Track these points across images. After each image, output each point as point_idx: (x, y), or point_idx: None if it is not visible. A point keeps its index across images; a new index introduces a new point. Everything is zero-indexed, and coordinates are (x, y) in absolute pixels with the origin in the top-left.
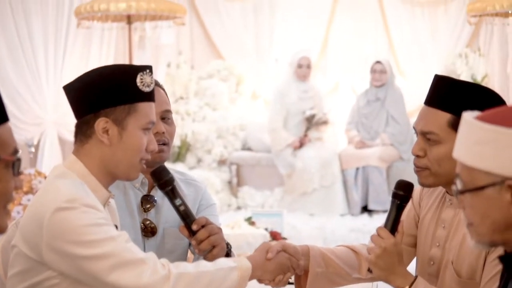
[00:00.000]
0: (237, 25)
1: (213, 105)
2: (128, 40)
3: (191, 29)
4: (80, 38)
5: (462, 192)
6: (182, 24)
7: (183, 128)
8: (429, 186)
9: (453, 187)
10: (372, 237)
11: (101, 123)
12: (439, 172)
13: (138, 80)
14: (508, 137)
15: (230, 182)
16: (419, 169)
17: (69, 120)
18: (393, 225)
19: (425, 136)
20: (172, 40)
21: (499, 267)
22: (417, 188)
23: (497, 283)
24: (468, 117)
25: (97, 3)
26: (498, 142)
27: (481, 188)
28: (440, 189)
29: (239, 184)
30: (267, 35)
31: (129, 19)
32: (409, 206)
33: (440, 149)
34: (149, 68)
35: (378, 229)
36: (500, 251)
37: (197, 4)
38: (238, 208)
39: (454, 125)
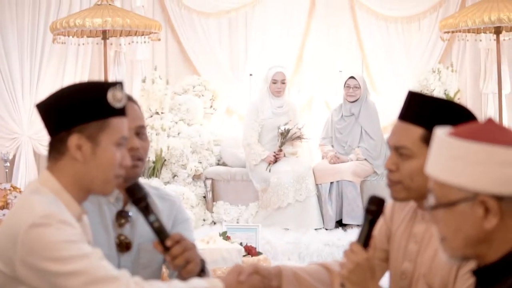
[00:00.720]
0: (212, 41)
1: (188, 120)
2: (104, 55)
3: (167, 45)
4: (55, 53)
5: (435, 207)
6: (157, 40)
7: (158, 143)
8: (401, 200)
9: (426, 202)
10: (345, 252)
11: (74, 140)
12: (411, 187)
13: (109, 95)
14: (480, 152)
15: (205, 197)
16: (391, 184)
17: (44, 135)
18: (365, 240)
19: (397, 150)
20: (147, 55)
21: (471, 280)
22: (389, 202)
23: None
24: (441, 133)
25: (72, 19)
26: (470, 157)
27: (454, 203)
28: (412, 204)
29: (214, 199)
30: (242, 50)
31: (104, 35)
32: (380, 220)
33: (413, 164)
34: (120, 83)
35: (351, 244)
36: (472, 264)
37: (172, 20)
38: (213, 223)
39: (427, 140)
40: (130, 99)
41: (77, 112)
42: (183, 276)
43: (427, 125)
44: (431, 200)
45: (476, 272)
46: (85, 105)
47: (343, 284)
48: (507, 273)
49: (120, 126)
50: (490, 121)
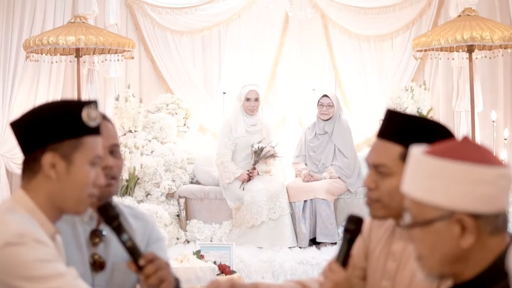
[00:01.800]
0: (186, 59)
1: (161, 139)
2: (77, 73)
3: (140, 63)
4: (28, 71)
5: (411, 226)
6: (131, 58)
7: (131, 161)
8: (379, 218)
9: (402, 221)
10: (323, 271)
11: (48, 158)
12: (390, 205)
13: (84, 114)
14: (456, 171)
15: (178, 216)
16: (370, 202)
17: (17, 153)
18: (344, 259)
19: (376, 168)
20: (120, 73)
21: None
22: (367, 220)
23: None
24: (416, 151)
25: (46, 36)
26: (446, 176)
27: (430, 221)
28: (390, 222)
29: (187, 217)
30: (215, 68)
31: (77, 52)
32: (358, 238)
33: (392, 182)
34: (95, 102)
35: (330, 263)
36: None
37: (146, 38)
38: (187, 241)
39: (405, 158)
40: (104, 117)
41: (51, 130)
42: None
43: (406, 143)
44: (407, 218)
45: None
46: (60, 123)
47: None
48: None
49: (95, 145)
50: (465, 139)
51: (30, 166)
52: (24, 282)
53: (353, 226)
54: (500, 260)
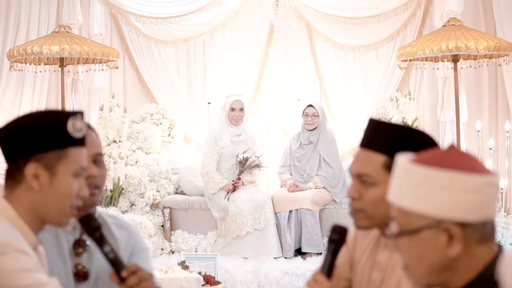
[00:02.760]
0: (170, 69)
1: (145, 149)
2: (61, 83)
3: (124, 73)
4: (12, 81)
5: (397, 235)
6: (115, 67)
7: (116, 171)
8: (364, 229)
9: (388, 230)
10: (308, 283)
11: (31, 169)
12: (374, 215)
13: (69, 125)
14: (443, 179)
15: (163, 226)
16: (354, 212)
17: (1, 163)
18: (329, 269)
19: (360, 178)
20: (105, 83)
21: None
22: (351, 230)
23: None
24: (402, 160)
25: (30, 46)
26: (433, 184)
27: (417, 230)
28: (375, 232)
29: (172, 228)
30: (200, 78)
31: (62, 62)
32: (343, 248)
33: (376, 191)
34: (81, 113)
35: (314, 274)
36: None
37: (130, 48)
38: (172, 252)
39: (389, 167)
40: (88, 126)
41: (35, 140)
42: None
43: (389, 152)
44: (393, 227)
45: None
46: (44, 133)
47: None
48: None
49: (79, 156)
50: (452, 147)
51: (13, 175)
52: None
53: (337, 236)
54: (489, 270)
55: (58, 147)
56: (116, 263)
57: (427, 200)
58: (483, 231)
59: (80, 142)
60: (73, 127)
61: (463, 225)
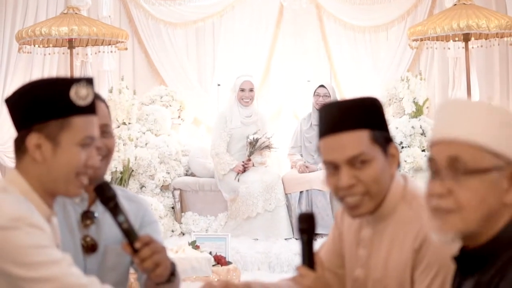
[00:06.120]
0: (179, 51)
1: (155, 131)
2: (70, 65)
3: (133, 55)
4: (21, 63)
5: (468, 172)
6: (124, 49)
7: (126, 153)
8: (367, 213)
9: (444, 171)
10: (293, 279)
11: (33, 139)
12: (378, 191)
13: (72, 92)
14: None
15: (173, 208)
16: (358, 200)
17: (10, 146)
18: (309, 260)
19: (353, 161)
20: (114, 66)
21: (431, 274)
22: (338, 211)
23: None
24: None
25: (38, 27)
26: None
27: (488, 170)
28: None
29: (182, 209)
30: (209, 60)
31: (70, 44)
32: (333, 227)
33: (373, 166)
34: (87, 79)
35: (297, 269)
36: (426, 262)
37: (139, 30)
38: (182, 233)
39: (375, 139)
40: (97, 97)
41: (36, 109)
42: (152, 279)
43: (368, 126)
44: (458, 165)
45: (458, 259)
46: (46, 102)
47: None
48: (489, 260)
49: (85, 125)
50: None
51: (19, 146)
52: (17, 268)
53: (306, 225)
54: None
55: (60, 116)
56: (129, 234)
57: (505, 140)
58: None
59: (86, 110)
60: (76, 95)
61: None
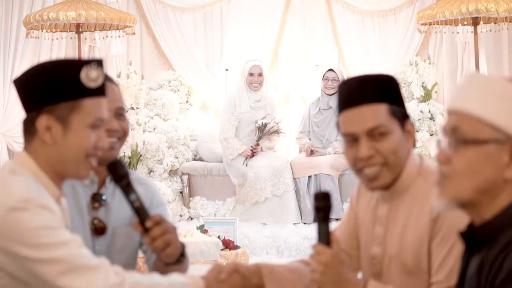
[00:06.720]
0: (187, 36)
1: (163, 115)
2: (78, 50)
3: (141, 40)
4: (29, 49)
5: (464, 142)
6: (132, 34)
7: (134, 138)
8: (385, 185)
9: (441, 141)
10: (310, 257)
11: (43, 121)
12: (395, 163)
13: (82, 74)
14: None
15: (181, 193)
16: (377, 171)
17: (18, 131)
18: (326, 237)
19: (372, 133)
20: (122, 50)
21: (448, 245)
22: (353, 193)
23: (450, 262)
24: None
25: (46, 12)
26: None
27: (485, 141)
28: None
29: (190, 194)
30: (218, 45)
31: (78, 29)
32: (348, 209)
33: (392, 139)
34: (97, 61)
35: (314, 247)
36: (442, 229)
37: (147, 15)
38: (190, 218)
39: (393, 113)
40: (109, 79)
41: (46, 91)
42: (161, 259)
43: (386, 99)
44: (456, 135)
45: (465, 235)
46: (56, 84)
47: None
48: (494, 237)
49: (95, 107)
50: None
51: (28, 128)
52: (27, 249)
53: (323, 203)
54: None
55: (70, 98)
56: (141, 213)
57: (506, 114)
58: None
59: (96, 92)
60: (87, 77)
61: None
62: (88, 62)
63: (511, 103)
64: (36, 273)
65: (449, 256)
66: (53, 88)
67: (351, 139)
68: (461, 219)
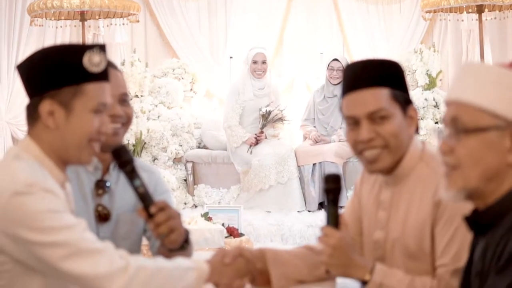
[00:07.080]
0: (192, 24)
1: (167, 103)
2: (82, 38)
3: (145, 28)
4: (33, 37)
5: (464, 131)
6: (136, 21)
7: (138, 126)
8: (385, 168)
9: (442, 130)
10: (319, 239)
11: (46, 106)
12: (396, 146)
13: (85, 59)
14: None
15: (186, 180)
16: (377, 154)
17: (23, 120)
18: (334, 220)
19: (373, 116)
20: (126, 38)
21: (452, 228)
22: (357, 179)
23: (455, 245)
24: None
25: (50, 0)
26: None
27: (485, 129)
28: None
29: (195, 182)
30: (222, 33)
31: (82, 16)
32: (353, 196)
33: (393, 122)
34: (100, 46)
35: (322, 229)
36: (446, 213)
37: (151, 3)
38: (195, 206)
39: (395, 97)
40: (112, 65)
41: (49, 76)
42: (166, 245)
43: (388, 84)
44: (457, 125)
45: (470, 221)
46: (59, 69)
47: (328, 271)
48: (498, 220)
49: (98, 92)
50: None
51: (31, 113)
52: (31, 233)
53: (333, 185)
54: None
55: (73, 83)
56: (145, 198)
57: (504, 101)
58: None
59: (99, 76)
60: (90, 62)
61: None
62: (90, 47)
63: (508, 89)
64: (40, 257)
65: (453, 239)
66: (55, 73)
67: (353, 122)
68: (464, 203)
